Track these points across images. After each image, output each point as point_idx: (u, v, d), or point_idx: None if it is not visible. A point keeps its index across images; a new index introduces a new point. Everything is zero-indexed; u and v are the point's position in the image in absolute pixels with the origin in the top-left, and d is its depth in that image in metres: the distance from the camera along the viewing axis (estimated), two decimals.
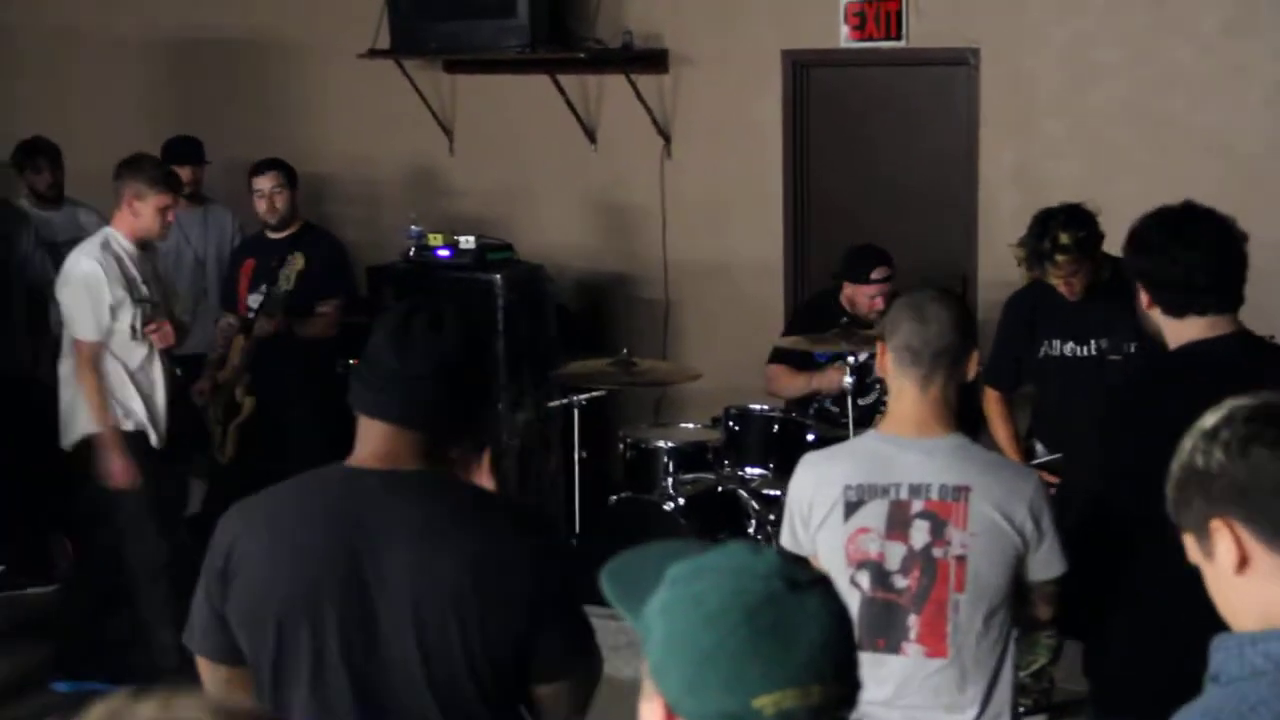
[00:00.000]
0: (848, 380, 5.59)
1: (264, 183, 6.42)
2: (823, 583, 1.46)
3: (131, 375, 5.48)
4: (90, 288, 5.37)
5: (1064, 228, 4.81)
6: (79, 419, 5.54)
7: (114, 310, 5.38)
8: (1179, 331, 3.23)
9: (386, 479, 2.31)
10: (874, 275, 5.83)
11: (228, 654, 2.38)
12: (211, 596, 2.36)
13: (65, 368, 5.60)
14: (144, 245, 5.55)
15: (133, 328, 5.45)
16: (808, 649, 1.39)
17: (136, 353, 5.52)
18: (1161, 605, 3.20)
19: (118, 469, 5.42)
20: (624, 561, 1.58)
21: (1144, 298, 3.29)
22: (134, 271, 5.48)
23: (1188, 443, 1.71)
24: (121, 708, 1.15)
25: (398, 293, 6.76)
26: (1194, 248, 3.21)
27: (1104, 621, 3.28)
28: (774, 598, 1.40)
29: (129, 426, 5.49)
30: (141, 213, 5.43)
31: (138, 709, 1.15)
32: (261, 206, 6.42)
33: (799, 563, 1.49)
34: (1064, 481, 3.64)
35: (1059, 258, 4.82)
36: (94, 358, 5.41)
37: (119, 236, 5.51)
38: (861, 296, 5.83)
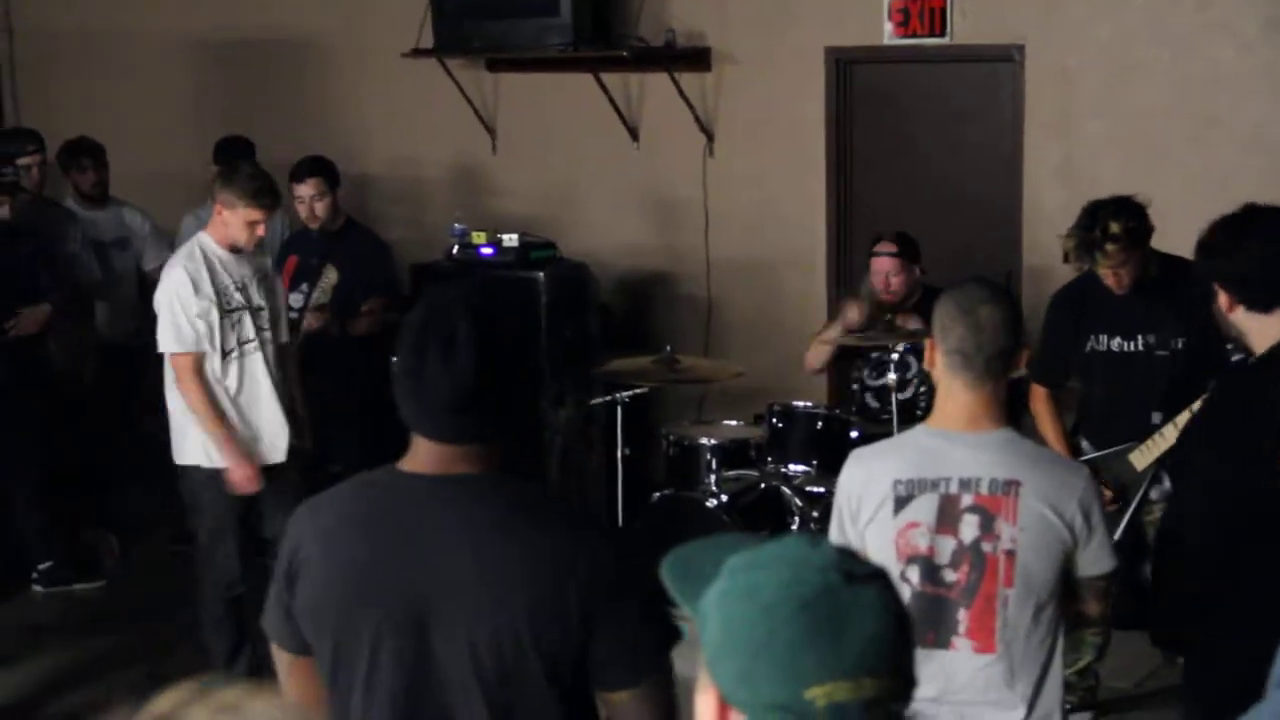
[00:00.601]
0: (890, 377, 5.57)
1: (304, 190, 6.43)
2: (880, 577, 1.46)
3: (220, 388, 5.25)
4: (173, 297, 5.20)
5: (1114, 217, 4.79)
6: (186, 442, 5.31)
7: (199, 320, 5.19)
8: (1264, 326, 3.24)
9: (436, 483, 2.33)
10: (877, 248, 5.86)
11: (296, 644, 2.44)
12: (280, 592, 2.43)
13: (168, 385, 5.35)
14: (237, 249, 5.31)
15: (221, 339, 5.22)
16: (861, 642, 1.39)
17: (226, 366, 5.27)
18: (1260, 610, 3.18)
19: (237, 476, 5.23)
20: (684, 553, 1.58)
21: (1224, 300, 3.29)
22: (225, 279, 5.27)
23: None
24: (191, 698, 1.15)
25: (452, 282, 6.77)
26: (1268, 242, 3.24)
27: (1204, 627, 3.27)
28: (829, 590, 1.40)
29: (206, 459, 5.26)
30: (230, 223, 5.23)
31: (219, 695, 1.15)
32: (303, 212, 6.46)
33: (855, 555, 1.48)
34: (1175, 472, 3.63)
35: (1109, 247, 4.79)
36: (186, 369, 5.19)
37: (210, 242, 5.30)
38: (873, 274, 5.86)
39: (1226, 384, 3.60)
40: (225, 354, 5.23)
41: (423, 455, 2.36)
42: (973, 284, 3.12)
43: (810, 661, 1.38)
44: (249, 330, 5.28)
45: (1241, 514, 3.14)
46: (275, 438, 5.34)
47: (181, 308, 5.17)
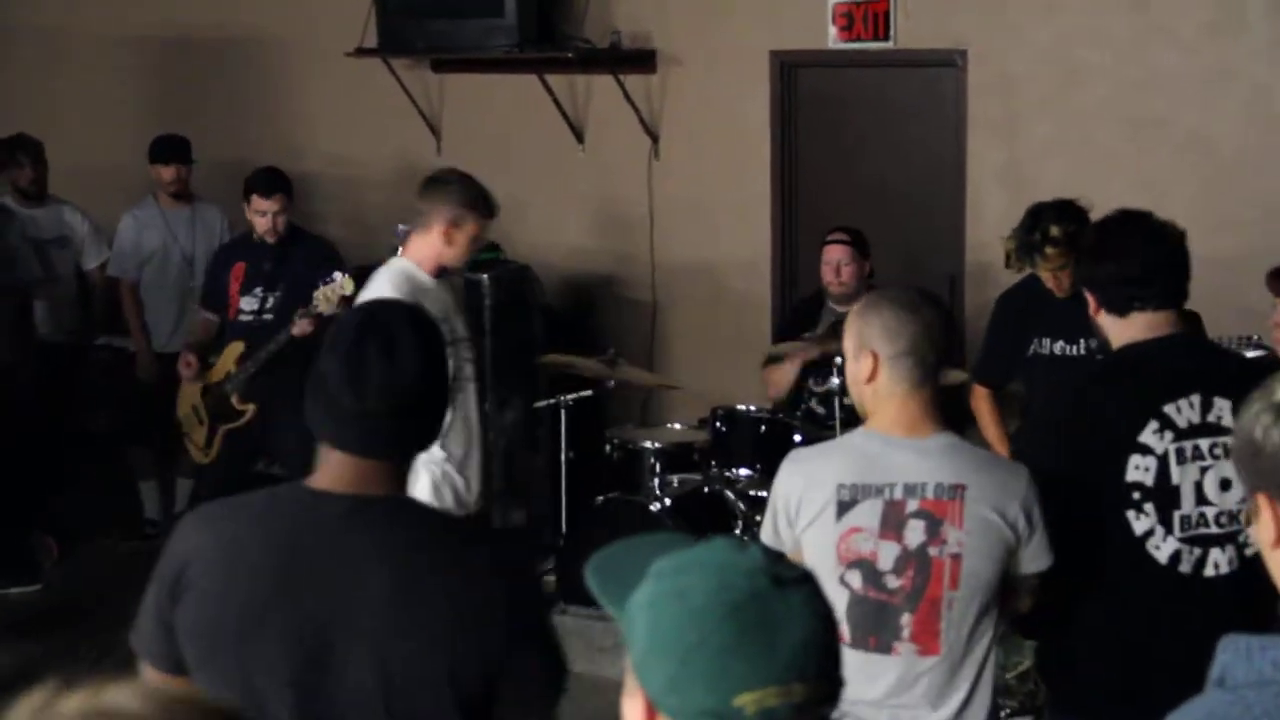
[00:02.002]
0: (834, 381, 5.58)
1: (269, 205, 6.23)
2: (807, 580, 1.45)
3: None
4: None
5: (1055, 221, 4.83)
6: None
7: None
8: (1122, 331, 3.31)
9: (352, 503, 2.22)
10: (830, 237, 5.91)
11: (171, 664, 2.27)
12: (160, 605, 2.26)
13: None
14: (438, 274, 4.80)
15: None
16: (790, 647, 1.38)
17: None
18: (1102, 607, 3.26)
19: None
20: (609, 555, 1.56)
21: (1092, 303, 3.36)
22: (435, 309, 4.63)
23: (1252, 408, 1.64)
24: (48, 701, 1.11)
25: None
26: (1131, 247, 3.31)
27: (1055, 623, 3.33)
28: (758, 594, 1.39)
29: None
30: (456, 240, 4.68)
31: (65, 701, 1.12)
32: (262, 226, 6.25)
33: (783, 559, 1.47)
34: None
35: (1049, 250, 4.83)
36: None
37: (416, 269, 4.71)
38: (824, 264, 5.88)
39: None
40: None
41: (335, 471, 2.24)
42: (900, 289, 3.16)
43: (741, 668, 1.37)
44: (459, 367, 4.70)
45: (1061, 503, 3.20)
46: (475, 482, 4.77)
47: None
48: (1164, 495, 3.20)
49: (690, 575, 1.42)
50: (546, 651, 2.27)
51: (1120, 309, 3.28)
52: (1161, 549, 3.21)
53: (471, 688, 2.19)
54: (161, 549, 2.33)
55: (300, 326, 5.97)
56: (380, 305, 2.30)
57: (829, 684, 1.42)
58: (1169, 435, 3.20)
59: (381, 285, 4.63)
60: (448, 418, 4.41)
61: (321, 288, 5.87)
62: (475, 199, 4.75)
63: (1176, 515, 3.21)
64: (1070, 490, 3.18)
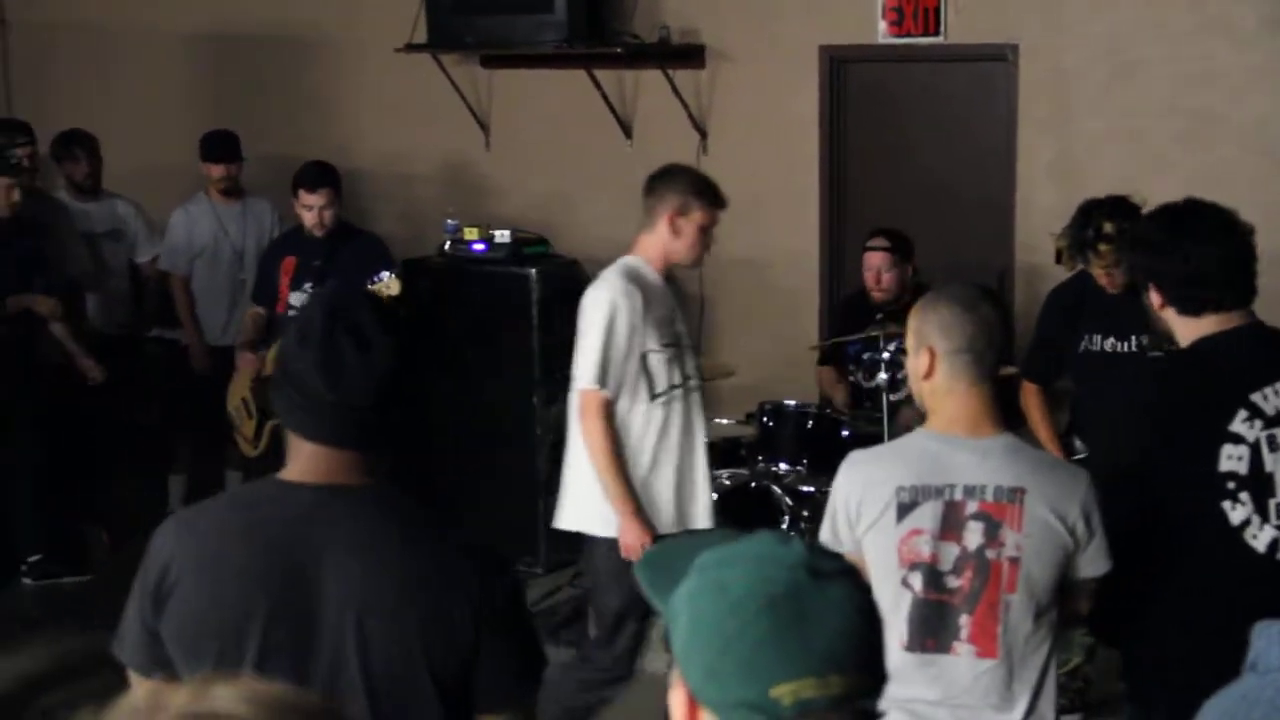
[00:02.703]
0: (881, 377, 5.56)
1: (316, 199, 6.28)
2: (849, 573, 1.46)
3: (641, 446, 4.45)
4: (606, 327, 4.41)
5: (1108, 218, 4.80)
6: (581, 503, 4.55)
7: (632, 359, 4.44)
8: (1193, 329, 3.23)
9: (325, 494, 2.23)
10: (869, 243, 5.93)
11: (159, 668, 2.27)
12: (144, 613, 2.27)
13: (572, 430, 4.62)
14: (668, 276, 4.64)
15: (651, 383, 4.47)
16: (827, 639, 1.39)
17: (654, 418, 4.49)
18: (1198, 600, 3.20)
19: (630, 540, 4.37)
20: (659, 550, 1.59)
21: (1155, 298, 3.27)
22: (662, 309, 4.54)
23: None
24: (155, 697, 1.12)
25: (433, 287, 6.77)
26: (1204, 244, 3.21)
27: (1135, 620, 3.28)
28: (797, 587, 1.40)
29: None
30: (683, 230, 4.50)
31: (172, 698, 1.13)
32: (310, 220, 6.30)
33: (826, 552, 1.47)
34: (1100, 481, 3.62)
35: (1102, 247, 4.80)
36: (595, 411, 4.42)
37: (644, 265, 4.55)
38: (865, 269, 5.92)
39: (1137, 378, 3.68)
40: (653, 396, 4.49)
41: (307, 463, 2.25)
42: (960, 285, 3.13)
43: (776, 659, 1.38)
44: (681, 371, 4.54)
45: (1149, 506, 3.17)
46: (698, 500, 4.56)
47: (613, 340, 4.41)
48: (1259, 483, 3.16)
49: (731, 568, 1.43)
50: (521, 639, 2.29)
51: (1194, 310, 3.22)
52: (1259, 537, 3.17)
53: (448, 675, 2.21)
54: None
55: None
56: (343, 295, 2.27)
57: (869, 677, 1.42)
58: (1259, 423, 3.16)
59: (611, 280, 4.47)
60: (666, 428, 4.39)
61: (371, 288, 5.92)
62: (702, 186, 4.57)
63: (1272, 503, 3.17)
64: (1165, 482, 3.15)
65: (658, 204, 4.53)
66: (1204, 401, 3.19)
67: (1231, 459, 3.15)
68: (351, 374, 2.17)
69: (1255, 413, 3.16)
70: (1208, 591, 3.20)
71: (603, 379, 4.39)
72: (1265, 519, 3.17)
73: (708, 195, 4.55)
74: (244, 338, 6.52)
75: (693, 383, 4.58)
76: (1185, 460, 3.17)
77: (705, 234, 4.55)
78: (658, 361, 4.45)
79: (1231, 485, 3.15)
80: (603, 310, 4.41)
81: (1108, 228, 4.80)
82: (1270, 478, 3.16)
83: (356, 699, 2.20)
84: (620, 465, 4.34)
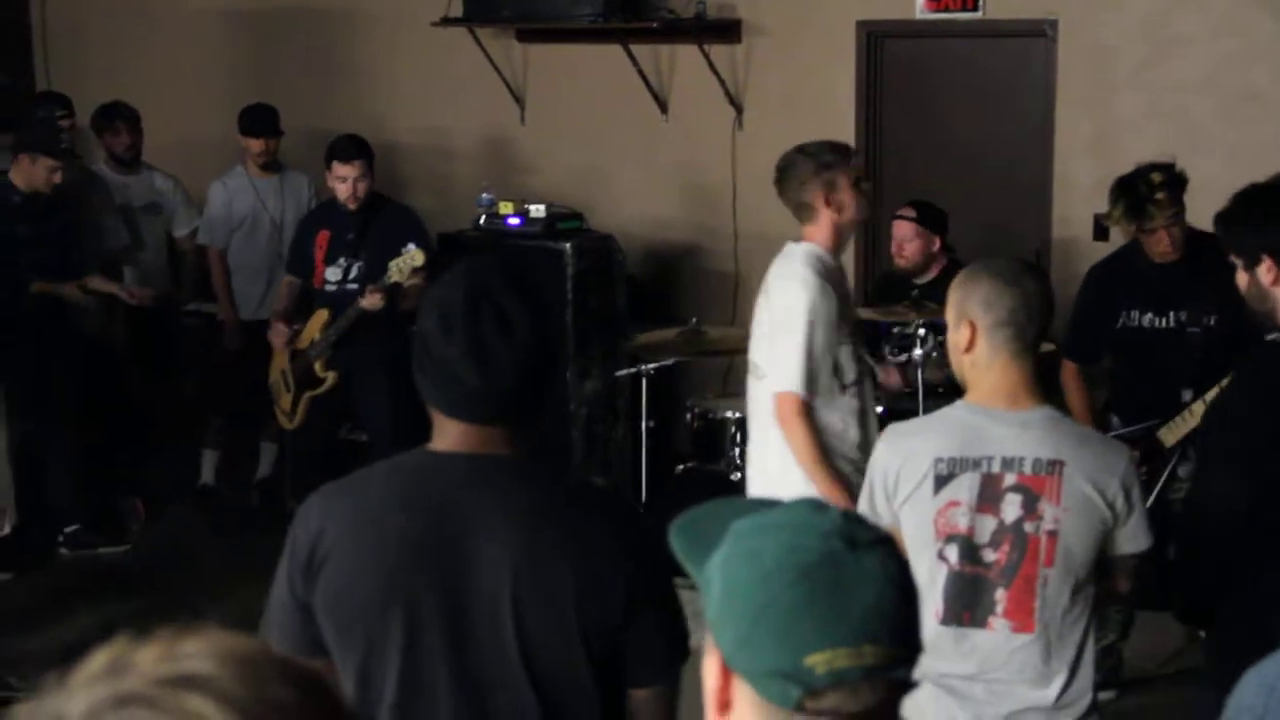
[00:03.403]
0: (917, 352, 5.54)
1: (349, 170, 6.26)
2: (885, 543, 1.44)
3: (844, 438, 4.34)
4: (807, 332, 4.21)
5: (1151, 170, 4.77)
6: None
7: (828, 357, 4.28)
8: None
9: (476, 463, 2.26)
10: (898, 211, 5.91)
11: (309, 646, 2.27)
12: (295, 588, 2.28)
13: (755, 435, 4.47)
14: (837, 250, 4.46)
15: (841, 375, 4.32)
16: (861, 609, 1.37)
17: (843, 406, 4.34)
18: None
19: None
20: (693, 516, 1.57)
21: (1269, 273, 3.11)
22: (844, 296, 4.41)
23: None
24: (123, 654, 1.09)
25: (470, 257, 6.76)
26: None
27: (1234, 602, 3.20)
28: (831, 556, 1.39)
29: None
30: (842, 201, 4.32)
31: (137, 658, 1.10)
32: (343, 192, 6.28)
33: (862, 521, 1.46)
34: (1201, 454, 3.52)
35: (1159, 196, 4.74)
36: (797, 413, 4.23)
37: (821, 251, 4.35)
38: (892, 239, 5.89)
39: (1259, 361, 3.50)
40: (844, 387, 4.35)
41: (456, 436, 2.27)
42: (1002, 259, 3.11)
43: (810, 628, 1.37)
44: (861, 357, 4.44)
45: (1267, 492, 3.08)
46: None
47: (812, 344, 4.23)
48: None
49: (765, 536, 1.42)
50: (672, 613, 2.29)
51: None
52: None
53: (600, 645, 2.22)
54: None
55: (371, 300, 6.06)
56: (480, 275, 2.26)
57: (904, 648, 1.41)
58: None
59: (806, 277, 4.26)
60: (863, 416, 4.34)
61: (395, 260, 5.97)
62: (826, 157, 4.37)
63: None
64: (1274, 460, 3.07)
65: (803, 196, 4.35)
66: None
67: None
68: (498, 360, 2.20)
69: None
70: None
71: (806, 383, 4.24)
72: None
73: (837, 157, 4.39)
74: (278, 305, 6.54)
75: (868, 364, 4.50)
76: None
77: (859, 186, 4.39)
78: (846, 353, 4.35)
79: None
80: (803, 312, 4.23)
81: (1156, 177, 4.75)
82: None
83: (511, 665, 2.21)
84: (828, 462, 4.26)
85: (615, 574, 2.22)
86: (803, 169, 4.36)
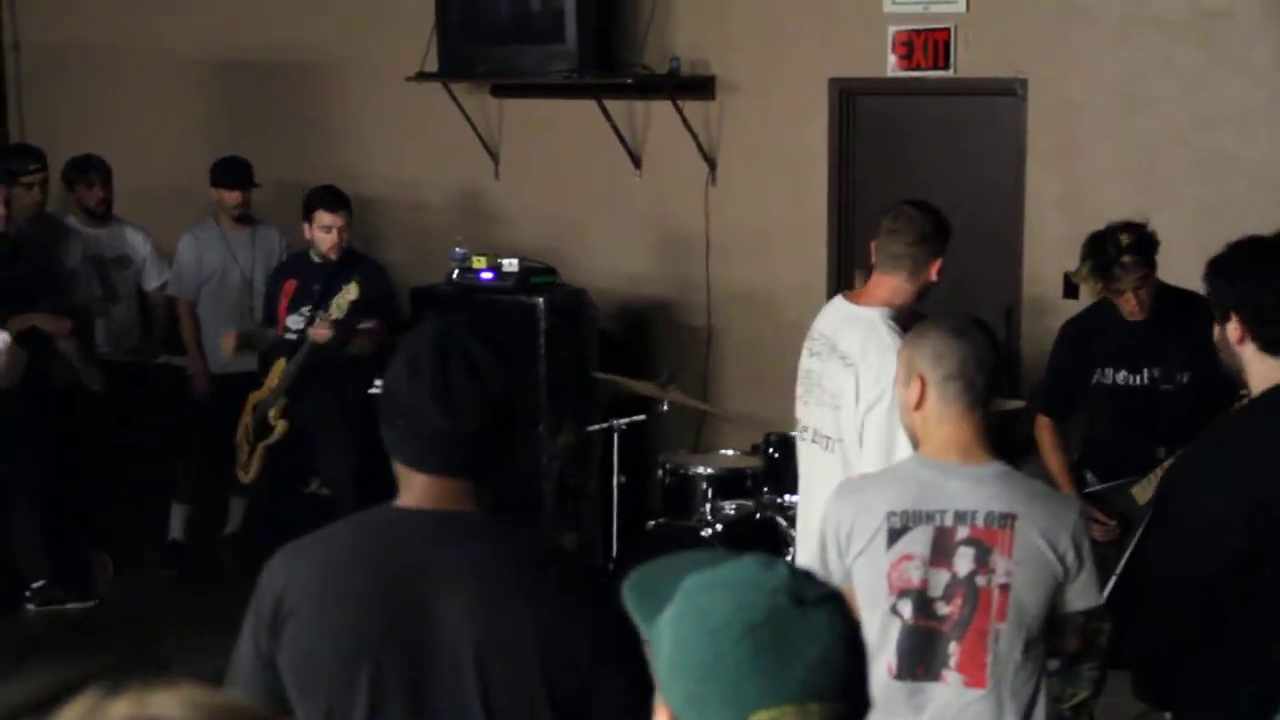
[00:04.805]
0: None
1: (334, 219, 6.31)
2: (833, 599, 1.45)
3: None
4: (888, 394, 4.07)
5: (1122, 231, 4.79)
6: None
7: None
8: (1267, 371, 3.05)
9: (442, 521, 2.25)
10: None
11: (274, 704, 2.26)
12: (260, 646, 2.28)
13: (813, 507, 4.30)
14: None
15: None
16: (807, 666, 1.38)
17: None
18: (1248, 665, 3.06)
19: None
20: (646, 572, 1.57)
21: (1235, 331, 3.07)
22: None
23: None
24: (94, 706, 1.11)
25: (440, 314, 6.77)
26: None
27: (1194, 681, 3.15)
28: (777, 613, 1.39)
29: None
30: (928, 287, 4.29)
31: (111, 707, 1.12)
32: (327, 242, 6.31)
33: (810, 578, 1.46)
34: (1155, 522, 3.46)
35: (1126, 259, 4.76)
36: None
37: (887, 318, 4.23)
38: None
39: (1218, 430, 3.35)
40: None
41: (422, 492, 2.26)
42: (950, 315, 3.12)
43: (756, 686, 1.37)
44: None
45: (1225, 565, 3.02)
46: None
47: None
48: None
49: (713, 593, 1.43)
50: (635, 669, 2.27)
51: (1276, 350, 3.03)
52: None
53: (564, 706, 2.21)
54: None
55: (317, 331, 6.13)
56: (447, 326, 2.30)
57: (851, 705, 1.41)
58: None
59: (893, 340, 4.07)
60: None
61: (334, 299, 6.09)
62: (945, 227, 4.31)
63: None
64: (1235, 530, 3.00)
65: (928, 252, 4.22)
66: (1275, 454, 3.02)
67: None
68: (466, 402, 2.21)
69: None
70: (1271, 655, 3.02)
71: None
72: None
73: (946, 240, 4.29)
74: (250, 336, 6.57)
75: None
76: (1252, 515, 2.99)
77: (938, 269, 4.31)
78: None
79: None
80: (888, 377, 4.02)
81: (1125, 239, 4.78)
82: None
83: None
84: None
85: (579, 635, 2.20)
86: (932, 230, 4.23)
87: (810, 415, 4.31)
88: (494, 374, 2.23)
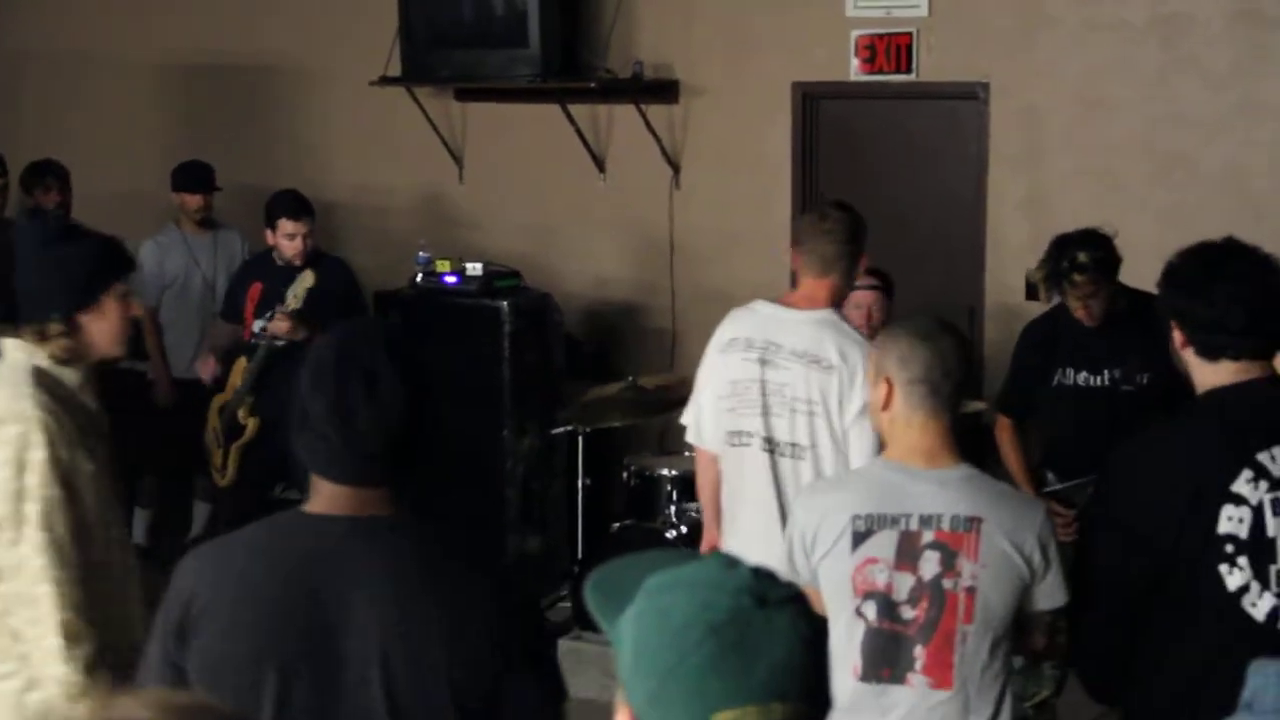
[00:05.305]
0: None
1: (297, 227, 6.28)
2: (796, 600, 1.45)
3: None
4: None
5: (1081, 248, 4.82)
6: None
7: None
8: (1210, 375, 3.07)
9: (352, 526, 2.24)
10: (859, 282, 5.85)
11: None
12: (167, 648, 2.27)
13: (766, 516, 4.37)
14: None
15: None
16: (770, 667, 1.38)
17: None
18: (1192, 667, 3.04)
19: None
20: (607, 571, 1.57)
21: (1177, 337, 3.11)
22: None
23: None
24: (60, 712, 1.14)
25: (405, 318, 6.76)
26: (1232, 287, 3.03)
27: (1135, 682, 3.14)
28: (739, 614, 1.39)
29: None
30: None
31: (77, 713, 1.14)
32: (291, 250, 6.28)
33: (773, 578, 1.46)
34: (1089, 522, 3.47)
35: (1077, 277, 4.81)
36: None
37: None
38: (853, 307, 5.85)
39: (1149, 435, 3.32)
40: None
41: (330, 498, 2.25)
42: (919, 318, 3.13)
43: (718, 686, 1.37)
44: None
45: (1166, 567, 3.02)
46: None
47: None
48: (1259, 548, 2.95)
49: (676, 593, 1.43)
50: (544, 669, 2.28)
51: (1212, 355, 3.05)
52: (1259, 605, 2.96)
53: (472, 705, 2.19)
54: (154, 580, 2.31)
55: (277, 324, 6.11)
56: (355, 336, 2.27)
57: (813, 705, 1.42)
58: (1264, 485, 2.96)
59: (862, 339, 4.32)
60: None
61: (289, 290, 6.07)
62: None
63: (1273, 570, 2.96)
64: (1151, 541, 2.99)
65: (859, 250, 4.37)
66: (1208, 457, 3.02)
67: (1231, 520, 2.96)
68: (360, 421, 2.19)
69: (1261, 473, 2.96)
70: (1205, 659, 2.99)
71: None
72: (1265, 586, 2.95)
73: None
74: (212, 344, 6.52)
75: None
76: (1182, 519, 2.99)
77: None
78: None
79: (1230, 548, 2.95)
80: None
81: (1082, 257, 4.82)
82: (1273, 543, 2.95)
83: None
84: None
85: (486, 634, 2.19)
86: (860, 227, 4.36)
87: (764, 424, 4.27)
88: (392, 389, 2.19)
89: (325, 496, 2.26)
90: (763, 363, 4.27)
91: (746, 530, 4.34)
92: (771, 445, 4.25)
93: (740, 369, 4.30)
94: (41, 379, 3.29)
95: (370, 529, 2.23)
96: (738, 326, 4.39)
